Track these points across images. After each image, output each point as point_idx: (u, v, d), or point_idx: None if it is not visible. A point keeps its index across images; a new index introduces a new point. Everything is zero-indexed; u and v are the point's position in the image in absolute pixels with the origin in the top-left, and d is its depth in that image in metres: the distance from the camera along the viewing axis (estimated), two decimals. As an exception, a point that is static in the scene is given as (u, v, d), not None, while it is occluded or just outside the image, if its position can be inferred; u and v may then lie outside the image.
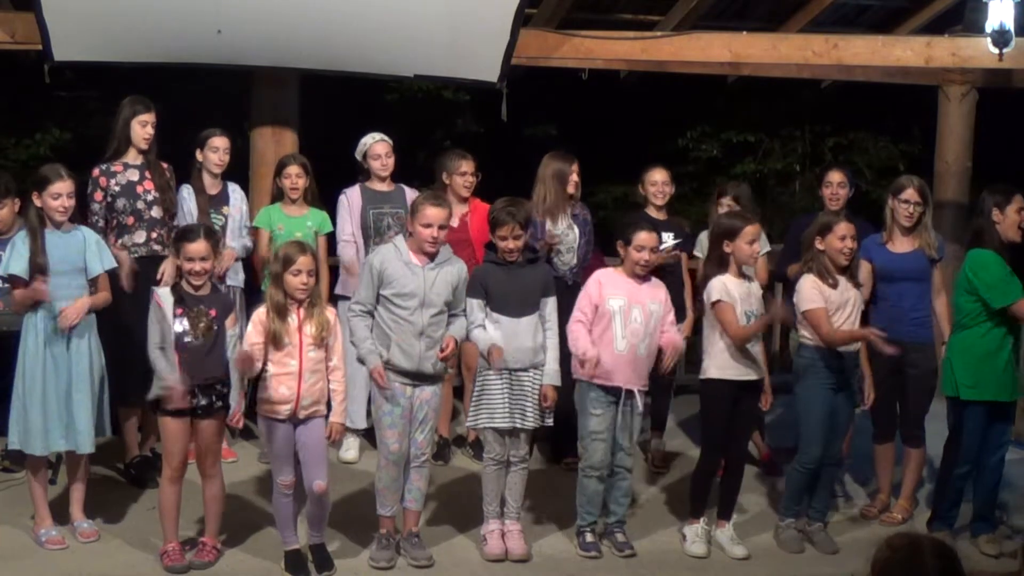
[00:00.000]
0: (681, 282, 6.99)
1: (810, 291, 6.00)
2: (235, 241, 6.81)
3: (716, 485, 6.18)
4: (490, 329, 5.80)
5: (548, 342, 5.90)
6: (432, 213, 5.63)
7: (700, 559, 6.00)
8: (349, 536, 5.95)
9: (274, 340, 5.42)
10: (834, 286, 6.00)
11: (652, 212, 7.02)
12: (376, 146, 7.03)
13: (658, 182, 7.08)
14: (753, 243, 5.93)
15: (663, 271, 6.39)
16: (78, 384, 5.77)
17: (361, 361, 5.73)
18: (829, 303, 5.97)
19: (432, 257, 5.68)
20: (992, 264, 6.05)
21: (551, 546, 6.07)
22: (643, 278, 5.94)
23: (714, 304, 5.92)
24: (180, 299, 5.51)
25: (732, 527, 6.12)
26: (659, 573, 5.85)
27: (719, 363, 5.95)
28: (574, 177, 6.98)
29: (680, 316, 6.65)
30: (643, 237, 5.89)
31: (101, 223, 6.40)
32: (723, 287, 5.93)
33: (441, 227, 5.65)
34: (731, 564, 5.98)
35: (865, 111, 11.41)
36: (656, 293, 5.97)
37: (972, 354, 6.12)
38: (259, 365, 5.42)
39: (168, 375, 5.44)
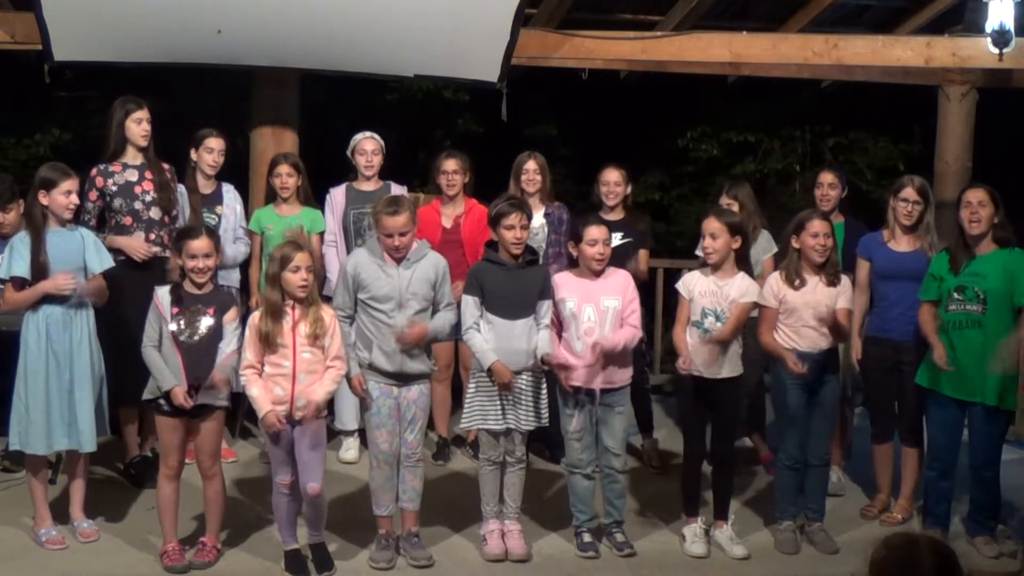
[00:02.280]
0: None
1: (767, 290, 6.06)
2: (229, 246, 6.78)
3: (710, 487, 6.19)
4: (484, 331, 5.79)
5: (542, 332, 5.84)
6: (389, 223, 5.59)
7: (700, 559, 5.99)
8: (349, 536, 5.95)
9: (267, 341, 5.42)
10: (799, 287, 6.00)
11: (604, 213, 6.90)
12: (364, 142, 7.04)
13: (609, 182, 7.07)
14: (705, 238, 5.94)
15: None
16: (79, 383, 5.77)
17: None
18: (784, 303, 6.00)
19: (405, 256, 5.68)
20: (936, 263, 6.19)
21: (551, 546, 6.06)
22: (598, 274, 5.89)
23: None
24: (178, 299, 5.52)
25: (731, 527, 6.12)
26: (659, 573, 5.85)
27: (682, 357, 6.01)
28: (528, 174, 7.03)
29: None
30: (593, 231, 5.86)
31: (93, 222, 6.40)
32: (687, 280, 6.03)
33: (402, 234, 5.60)
34: (731, 564, 5.97)
35: (865, 111, 11.39)
36: (613, 287, 5.89)
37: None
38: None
39: (163, 377, 5.45)
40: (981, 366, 5.94)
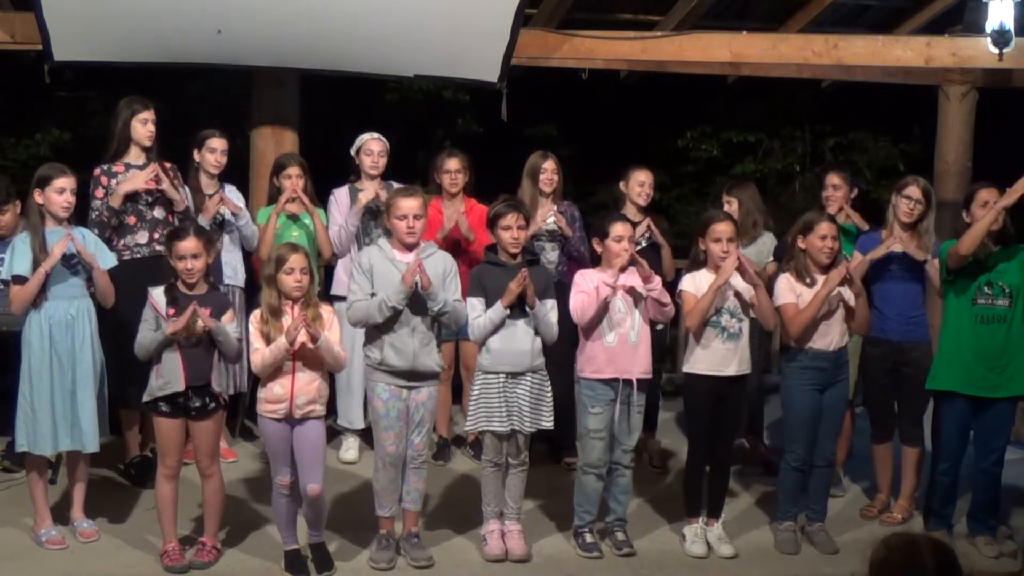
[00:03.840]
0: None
1: (783, 288, 6.04)
2: (226, 249, 6.79)
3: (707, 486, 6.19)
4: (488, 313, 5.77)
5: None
6: (404, 204, 5.65)
7: (700, 559, 5.99)
8: (349, 537, 5.94)
9: (267, 341, 5.42)
10: (810, 285, 6.01)
11: (631, 213, 6.87)
12: (371, 143, 7.04)
13: (645, 183, 7.06)
14: (719, 241, 5.91)
15: None
16: (82, 383, 5.78)
17: (395, 308, 5.55)
18: (802, 300, 5.99)
19: (415, 250, 5.68)
20: (945, 249, 6.14)
21: (551, 546, 6.06)
22: (623, 270, 5.88)
23: (678, 294, 5.98)
24: (174, 299, 5.52)
25: (721, 526, 6.11)
26: (659, 573, 5.85)
27: (695, 358, 6.00)
28: (547, 174, 7.04)
29: None
30: (619, 227, 5.89)
31: (105, 216, 6.37)
32: (690, 280, 5.99)
33: (416, 216, 5.65)
34: (731, 564, 5.97)
35: (865, 111, 11.40)
36: (633, 278, 5.89)
37: (941, 345, 6.21)
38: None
39: (159, 334, 5.42)
40: (1004, 360, 6.01)
